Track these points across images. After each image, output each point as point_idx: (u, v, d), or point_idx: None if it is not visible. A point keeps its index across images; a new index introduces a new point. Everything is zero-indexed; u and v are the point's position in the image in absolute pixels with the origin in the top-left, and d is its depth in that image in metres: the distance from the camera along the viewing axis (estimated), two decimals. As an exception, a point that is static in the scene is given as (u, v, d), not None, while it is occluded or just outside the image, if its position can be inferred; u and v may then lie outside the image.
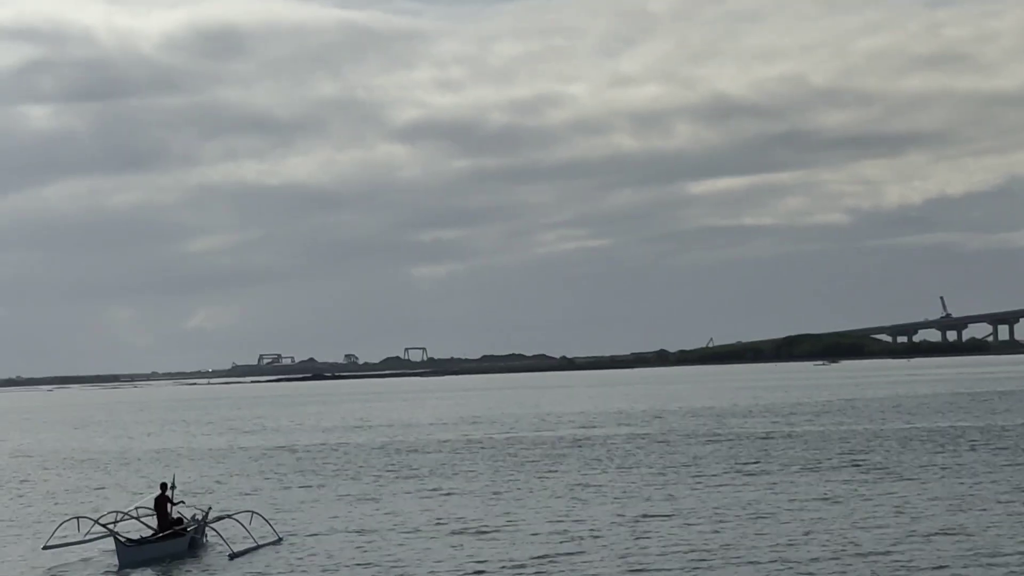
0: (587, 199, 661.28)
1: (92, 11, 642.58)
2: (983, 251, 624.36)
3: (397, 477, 58.98)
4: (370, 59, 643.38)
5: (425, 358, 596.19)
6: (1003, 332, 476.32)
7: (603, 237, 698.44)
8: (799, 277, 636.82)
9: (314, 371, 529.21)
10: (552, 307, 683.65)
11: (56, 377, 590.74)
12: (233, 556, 36.64)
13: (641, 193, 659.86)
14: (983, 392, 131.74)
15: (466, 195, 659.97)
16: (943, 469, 53.66)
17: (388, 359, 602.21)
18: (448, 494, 50.75)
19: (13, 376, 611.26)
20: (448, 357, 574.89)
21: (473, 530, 40.25)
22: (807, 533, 37.19)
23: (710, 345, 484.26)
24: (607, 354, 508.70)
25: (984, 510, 40.78)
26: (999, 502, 42.60)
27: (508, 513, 44.13)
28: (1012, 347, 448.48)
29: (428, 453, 73.21)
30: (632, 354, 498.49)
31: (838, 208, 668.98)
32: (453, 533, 39.80)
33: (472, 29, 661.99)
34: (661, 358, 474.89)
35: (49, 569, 36.08)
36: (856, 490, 47.15)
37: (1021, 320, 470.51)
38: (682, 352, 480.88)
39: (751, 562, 32.99)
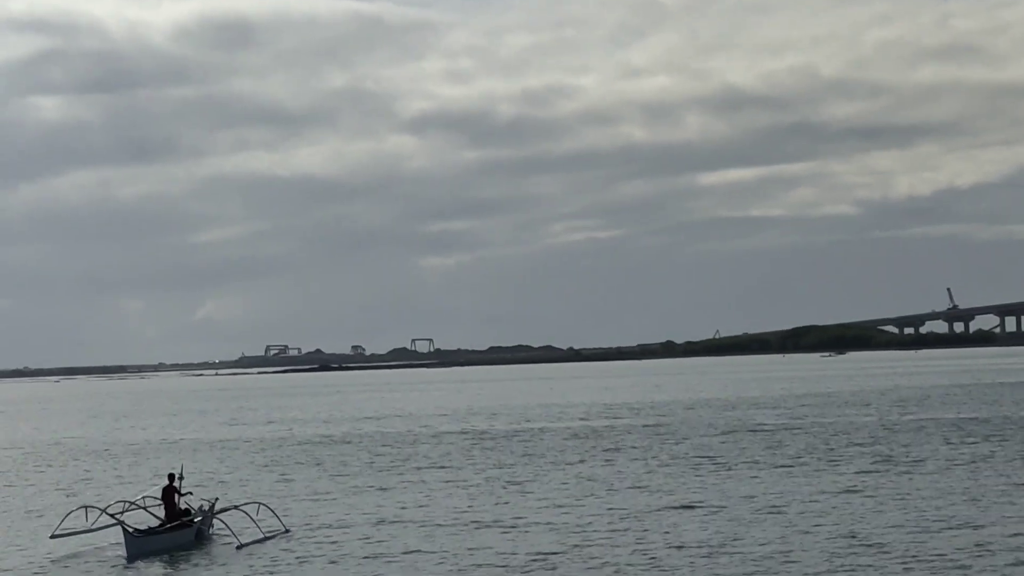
0: (596, 190, 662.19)
1: (102, 2, 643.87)
2: (991, 242, 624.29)
3: (405, 468, 59.02)
4: (380, 50, 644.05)
5: (432, 349, 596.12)
6: (1010, 323, 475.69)
7: (612, 228, 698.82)
8: (807, 268, 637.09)
9: (321, 362, 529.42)
10: (560, 298, 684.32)
11: (63, 368, 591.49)
12: (240, 547, 36.70)
13: (650, 184, 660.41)
14: (990, 384, 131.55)
15: (475, 186, 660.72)
16: (949, 461, 53.61)
17: (395, 350, 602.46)
18: (457, 486, 50.77)
19: (21, 367, 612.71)
20: (455, 348, 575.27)
21: (482, 522, 40.26)
22: (814, 525, 37.19)
23: (717, 336, 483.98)
24: (614, 345, 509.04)
25: (992, 502, 40.75)
26: (1006, 494, 42.56)
27: (517, 504, 44.15)
28: (1019, 339, 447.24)
29: (436, 445, 73.27)
30: (639, 345, 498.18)
31: (847, 199, 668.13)
32: (462, 524, 39.82)
33: (482, 20, 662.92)
34: (667, 349, 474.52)
35: (56, 558, 36.13)
36: (863, 481, 47.11)
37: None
38: (689, 343, 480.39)
39: (759, 555, 32.98)
